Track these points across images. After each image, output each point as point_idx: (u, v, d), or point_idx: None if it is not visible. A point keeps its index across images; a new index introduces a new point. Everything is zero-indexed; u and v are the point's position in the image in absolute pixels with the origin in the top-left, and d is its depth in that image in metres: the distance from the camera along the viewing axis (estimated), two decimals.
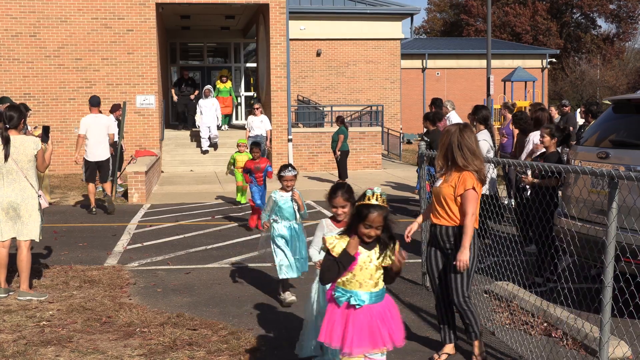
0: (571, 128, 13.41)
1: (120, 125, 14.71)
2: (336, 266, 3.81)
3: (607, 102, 11.59)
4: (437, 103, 13.37)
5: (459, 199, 5.10)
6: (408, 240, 5.45)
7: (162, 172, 18.99)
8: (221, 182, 17.03)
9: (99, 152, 12.71)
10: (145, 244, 9.96)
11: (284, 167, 6.82)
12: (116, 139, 14.57)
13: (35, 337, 5.85)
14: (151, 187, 15.38)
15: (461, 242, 5.05)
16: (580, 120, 14.86)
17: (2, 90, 17.94)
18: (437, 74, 36.54)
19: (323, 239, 3.91)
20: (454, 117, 13.22)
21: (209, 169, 19.40)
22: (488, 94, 23.19)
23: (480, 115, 10.02)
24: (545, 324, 6.03)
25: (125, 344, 5.69)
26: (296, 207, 6.82)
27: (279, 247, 6.86)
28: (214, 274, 8.19)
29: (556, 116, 15.53)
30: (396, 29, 28.35)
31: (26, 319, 6.39)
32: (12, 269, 7.57)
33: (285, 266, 6.84)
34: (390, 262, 3.89)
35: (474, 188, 5.07)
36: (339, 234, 3.94)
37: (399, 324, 3.95)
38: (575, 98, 44.48)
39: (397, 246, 3.94)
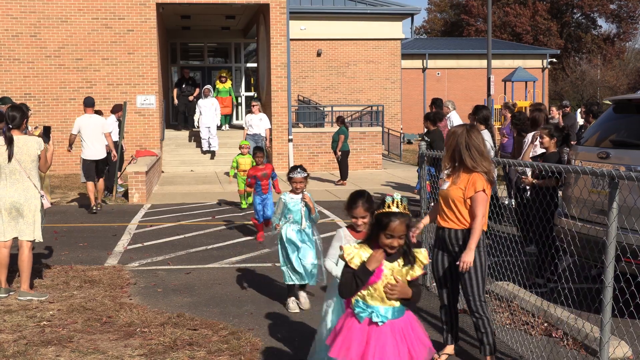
0: (561, 124, 13.41)
1: (120, 125, 14.71)
2: (353, 282, 3.58)
3: (608, 102, 11.60)
4: (437, 103, 13.37)
5: (468, 201, 5.02)
6: (414, 241, 5.41)
7: (163, 172, 19.00)
8: (221, 182, 17.04)
9: (95, 151, 12.99)
10: (145, 244, 9.96)
11: (294, 169, 6.60)
12: (116, 139, 14.59)
13: (35, 337, 5.85)
14: (151, 187, 15.38)
15: (467, 244, 4.97)
16: (581, 121, 14.86)
17: (3, 90, 17.95)
18: (438, 74, 36.54)
19: (341, 248, 3.68)
20: (454, 117, 13.22)
21: (209, 169, 19.40)
22: (488, 94, 23.18)
23: (480, 115, 10.02)
24: (545, 324, 6.03)
25: (125, 344, 5.69)
26: (304, 210, 6.58)
27: (284, 250, 6.66)
28: (214, 274, 8.19)
29: (556, 116, 15.52)
30: (396, 29, 28.34)
31: (27, 319, 6.39)
32: (12, 269, 7.57)
33: (288, 271, 6.64)
34: (416, 274, 3.65)
35: (484, 190, 5.00)
36: (358, 244, 3.70)
37: (420, 339, 3.71)
38: (576, 98, 44.47)
39: (424, 254, 3.69)
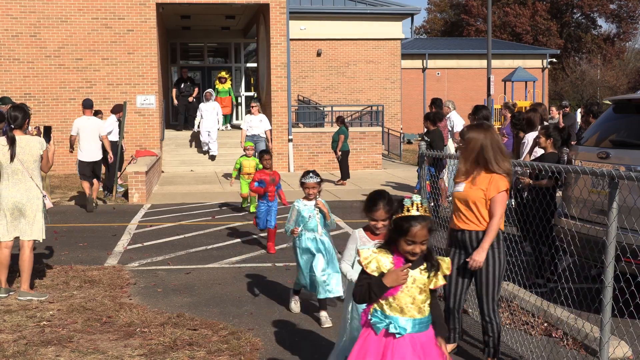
0: (562, 125, 13.43)
1: (120, 125, 14.72)
2: (367, 293, 3.34)
3: (608, 102, 11.59)
4: (437, 103, 13.37)
5: (489, 202, 4.94)
6: None
7: (163, 172, 19.00)
8: (221, 182, 17.03)
9: (92, 152, 13.22)
10: (145, 244, 9.96)
11: (306, 173, 6.29)
12: (116, 139, 14.59)
13: (35, 337, 5.85)
14: (151, 187, 15.38)
15: (481, 243, 4.89)
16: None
17: (3, 90, 17.95)
18: (438, 74, 36.54)
19: (358, 252, 3.43)
20: (454, 117, 13.23)
21: (209, 169, 19.40)
22: (488, 94, 23.19)
23: (480, 115, 10.01)
24: (545, 324, 6.03)
25: (125, 344, 5.69)
26: (319, 217, 6.28)
27: (299, 261, 6.37)
28: (214, 274, 8.19)
29: (556, 116, 15.53)
30: (396, 29, 28.34)
31: (26, 319, 6.39)
32: (12, 269, 7.57)
33: (301, 276, 6.40)
34: (440, 283, 3.39)
35: (506, 191, 4.94)
36: (377, 247, 3.43)
37: (444, 357, 3.40)
38: (576, 98, 44.48)
39: (447, 264, 3.44)
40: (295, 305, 6.61)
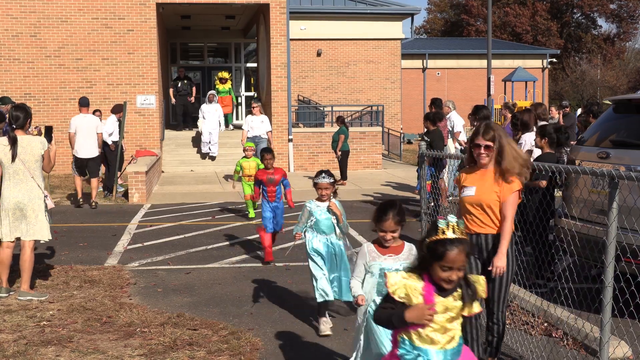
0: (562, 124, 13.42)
1: (121, 125, 14.73)
2: (389, 321, 3.09)
3: (608, 102, 11.60)
4: (436, 103, 13.37)
5: (501, 203, 4.81)
6: None
7: (163, 172, 18.99)
8: (221, 182, 17.02)
9: (87, 150, 13.52)
10: (145, 244, 9.96)
11: (319, 173, 6.01)
12: (116, 139, 14.60)
13: (35, 337, 5.85)
14: (151, 187, 15.38)
15: (499, 248, 4.77)
16: None
17: (3, 90, 17.95)
18: (438, 74, 36.54)
19: (385, 275, 3.14)
20: (455, 117, 13.23)
21: (209, 169, 19.40)
22: (489, 94, 23.20)
23: (481, 115, 10.00)
24: (545, 324, 6.03)
25: (125, 344, 5.69)
26: (335, 220, 6.00)
27: (315, 262, 6.01)
28: (214, 274, 8.19)
29: (556, 116, 15.53)
30: (396, 29, 28.34)
31: (26, 318, 6.39)
32: (12, 269, 7.56)
33: (322, 287, 5.96)
34: (475, 311, 3.12)
35: (519, 191, 4.85)
36: (407, 271, 3.12)
37: None
38: (576, 98, 44.49)
39: (482, 283, 3.15)
40: (324, 326, 5.98)
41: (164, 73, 21.63)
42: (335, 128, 17.81)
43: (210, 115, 19.33)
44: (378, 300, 4.10)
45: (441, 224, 3.03)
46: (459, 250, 2.97)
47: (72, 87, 18.60)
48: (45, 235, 7.18)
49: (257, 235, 10.23)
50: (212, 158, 19.62)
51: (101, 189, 15.18)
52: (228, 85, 21.82)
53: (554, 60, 41.18)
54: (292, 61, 25.40)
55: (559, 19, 56.12)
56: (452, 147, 12.95)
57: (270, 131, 16.33)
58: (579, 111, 16.32)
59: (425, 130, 12.01)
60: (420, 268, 3.09)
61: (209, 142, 19.46)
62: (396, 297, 3.05)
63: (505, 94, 29.33)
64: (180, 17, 22.93)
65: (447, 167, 11.58)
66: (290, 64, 19.81)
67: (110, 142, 14.54)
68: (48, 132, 7.66)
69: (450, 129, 13.09)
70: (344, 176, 16.64)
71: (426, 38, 53.40)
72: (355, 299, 4.34)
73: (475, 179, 4.91)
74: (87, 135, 13.50)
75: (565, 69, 51.82)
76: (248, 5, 19.98)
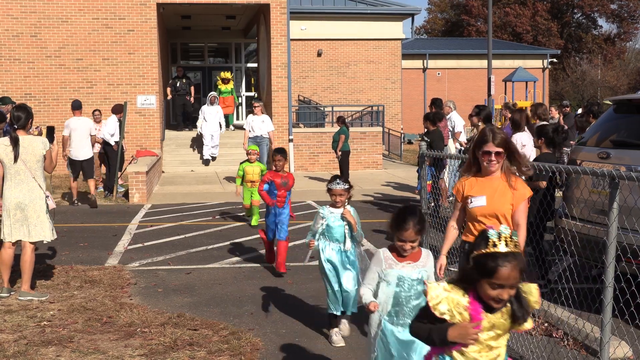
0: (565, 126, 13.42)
1: (121, 125, 14.74)
2: (427, 337, 2.81)
3: (608, 102, 11.61)
4: (437, 103, 13.37)
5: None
6: (440, 276, 4.69)
7: (163, 172, 19.00)
8: (222, 182, 17.02)
9: (82, 152, 13.69)
10: (146, 244, 9.96)
11: (333, 179, 5.72)
12: (117, 139, 14.60)
13: (36, 337, 5.85)
14: (152, 187, 15.38)
15: None
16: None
17: (3, 90, 17.95)
18: (438, 74, 36.54)
19: (425, 285, 2.86)
20: (455, 118, 13.23)
21: (209, 169, 19.39)
22: (489, 94, 23.20)
23: (484, 115, 10.00)
24: (546, 324, 6.03)
25: (126, 344, 5.69)
26: (348, 228, 5.71)
27: (328, 273, 5.76)
28: (214, 274, 8.19)
29: (556, 116, 15.53)
30: (397, 29, 28.35)
31: (27, 319, 6.39)
32: (12, 269, 7.56)
33: (330, 298, 5.77)
34: (527, 327, 2.81)
35: (528, 198, 4.70)
36: (450, 283, 2.79)
37: None
38: (576, 98, 44.47)
39: (534, 294, 2.80)
40: (337, 337, 5.78)
41: (164, 73, 21.63)
42: (336, 128, 17.81)
43: (211, 117, 19.21)
44: (394, 311, 4.01)
45: (491, 235, 2.67)
46: (512, 266, 2.61)
47: (73, 88, 18.61)
48: (47, 235, 7.18)
49: (258, 236, 10.21)
50: (213, 157, 19.59)
51: (102, 189, 15.20)
52: (230, 86, 21.78)
53: (555, 60, 41.17)
54: (293, 61, 25.40)
55: (559, 19, 56.12)
56: (452, 147, 12.95)
57: (272, 131, 16.13)
58: (579, 111, 16.31)
59: (426, 130, 12.01)
60: (465, 282, 2.74)
61: (211, 146, 19.33)
62: (437, 313, 2.72)
63: (505, 94, 29.33)
64: (180, 17, 22.93)
65: (447, 167, 11.58)
66: (290, 64, 19.81)
67: (112, 143, 14.57)
68: (50, 133, 7.66)
69: (451, 129, 13.09)
70: (344, 176, 16.63)
71: (426, 38, 53.41)
72: (366, 306, 4.04)
73: (484, 188, 4.66)
74: (82, 137, 13.70)
75: (565, 69, 51.82)
76: (248, 6, 19.99)
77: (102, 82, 18.72)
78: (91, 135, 13.88)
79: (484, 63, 32.74)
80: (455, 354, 2.78)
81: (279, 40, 19.36)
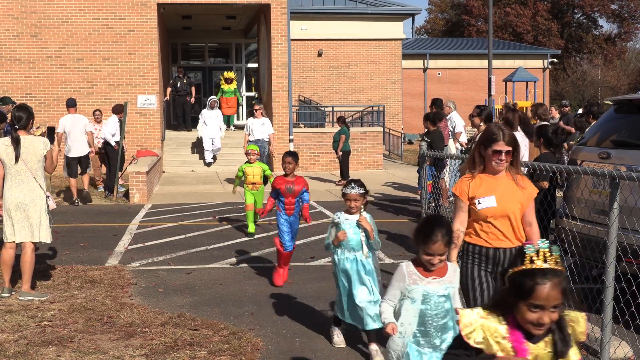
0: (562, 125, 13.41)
1: (121, 125, 14.74)
2: None
3: (609, 102, 11.61)
4: (437, 103, 13.37)
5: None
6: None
7: (164, 172, 19.00)
8: (222, 182, 17.02)
9: (78, 148, 13.90)
10: (146, 244, 9.96)
11: (348, 183, 5.38)
12: (117, 139, 14.61)
13: (36, 337, 5.85)
14: (152, 187, 15.38)
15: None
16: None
17: (4, 90, 17.96)
18: (439, 74, 36.54)
19: (456, 312, 2.65)
20: (455, 118, 13.23)
21: (210, 169, 19.40)
22: (489, 94, 23.20)
23: (485, 115, 10.00)
24: None
25: (126, 344, 5.69)
26: (364, 236, 5.38)
27: (341, 283, 5.47)
28: (215, 274, 8.19)
29: (556, 116, 15.54)
30: (397, 29, 28.35)
31: (27, 319, 6.39)
32: (13, 269, 7.56)
33: (341, 305, 5.49)
34: (574, 359, 2.46)
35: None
36: (485, 308, 2.49)
37: None
38: (577, 98, 44.47)
39: (581, 323, 2.48)
40: (338, 337, 5.65)
41: (164, 73, 21.63)
42: (336, 128, 17.81)
43: (212, 121, 19.01)
44: (419, 331, 3.74)
45: (529, 250, 2.40)
46: (553, 284, 2.33)
47: (73, 88, 18.61)
48: (46, 237, 7.17)
49: (258, 235, 10.22)
50: (214, 158, 19.54)
51: (102, 189, 15.21)
52: (233, 86, 21.73)
53: (555, 60, 41.18)
54: (293, 61, 25.39)
55: (559, 19, 56.12)
56: (452, 147, 12.95)
57: (273, 133, 15.97)
58: (580, 111, 16.33)
59: (426, 130, 12.02)
60: (502, 306, 2.44)
61: (212, 150, 19.21)
62: (471, 342, 2.44)
63: (506, 94, 29.33)
64: (181, 18, 22.94)
65: (447, 167, 11.58)
66: (291, 64, 19.81)
67: (113, 143, 14.59)
68: (50, 133, 7.66)
69: (451, 130, 13.09)
70: (345, 176, 16.64)
71: (427, 38, 53.41)
72: (384, 326, 3.73)
73: (491, 188, 4.47)
74: (77, 134, 13.88)
75: (566, 69, 51.82)
76: (249, 6, 19.99)
77: (102, 82, 18.73)
78: (86, 132, 14.01)
79: (484, 63, 32.74)
80: None
81: (280, 40, 19.36)
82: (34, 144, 7.08)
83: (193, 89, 21.83)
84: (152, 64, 18.86)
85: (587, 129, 8.78)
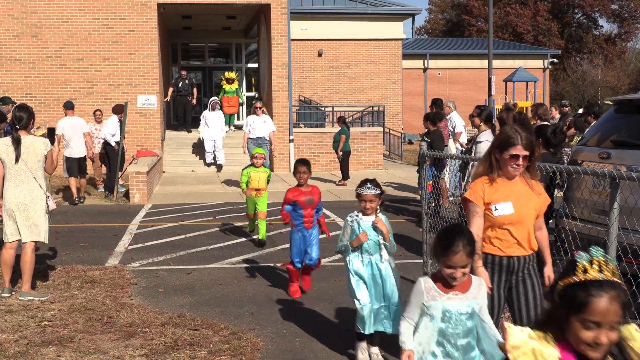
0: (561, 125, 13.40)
1: (122, 125, 14.75)
2: None
3: (609, 102, 11.60)
4: (437, 103, 13.38)
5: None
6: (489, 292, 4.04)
7: (164, 172, 19.00)
8: (222, 182, 17.01)
9: (77, 149, 14.08)
10: (146, 244, 9.96)
11: (363, 183, 5.12)
12: (118, 139, 14.61)
13: (36, 337, 5.85)
14: (152, 187, 15.38)
15: (546, 259, 4.47)
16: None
17: (4, 90, 17.96)
18: (439, 74, 36.54)
19: (502, 328, 2.23)
20: (455, 118, 13.23)
21: (210, 169, 19.40)
22: (490, 94, 23.19)
23: (485, 115, 10.00)
24: None
25: (126, 344, 5.69)
26: (381, 238, 5.14)
27: (356, 286, 5.17)
28: (215, 274, 8.19)
29: (556, 116, 15.54)
30: (397, 29, 28.35)
31: (28, 319, 6.40)
32: (13, 270, 7.56)
33: (363, 315, 5.12)
34: None
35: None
36: (535, 330, 2.17)
37: None
38: (577, 98, 44.47)
39: (638, 338, 2.19)
40: (362, 355, 5.29)
41: (165, 73, 21.64)
42: (336, 128, 17.81)
43: (213, 122, 18.84)
44: (439, 351, 3.51)
45: (581, 259, 2.12)
46: (611, 297, 2.05)
47: (73, 88, 18.62)
48: (45, 237, 7.18)
49: (256, 236, 10.17)
50: (219, 167, 19.33)
51: (102, 189, 15.22)
52: (235, 86, 21.71)
53: (555, 60, 41.19)
54: (293, 61, 25.40)
55: (560, 19, 56.12)
56: (452, 147, 12.95)
57: (274, 131, 15.88)
58: (580, 111, 16.32)
59: (426, 130, 12.02)
60: (552, 325, 2.14)
61: (213, 151, 19.16)
62: None
63: (506, 94, 29.33)
64: (181, 18, 22.94)
65: (447, 167, 11.59)
66: (291, 64, 19.82)
67: (113, 143, 14.60)
68: (50, 134, 7.66)
69: (451, 130, 13.09)
70: (345, 176, 16.65)
71: (427, 38, 53.42)
72: (401, 350, 3.50)
73: (508, 193, 4.27)
74: (75, 136, 14.04)
75: (566, 69, 51.82)
76: (249, 6, 19.99)
77: (102, 82, 18.73)
78: (84, 133, 14.16)
79: (484, 63, 32.74)
80: None
81: (280, 40, 19.36)
82: (34, 144, 7.09)
83: (195, 89, 21.83)
84: (152, 64, 18.86)
85: (587, 129, 8.78)
